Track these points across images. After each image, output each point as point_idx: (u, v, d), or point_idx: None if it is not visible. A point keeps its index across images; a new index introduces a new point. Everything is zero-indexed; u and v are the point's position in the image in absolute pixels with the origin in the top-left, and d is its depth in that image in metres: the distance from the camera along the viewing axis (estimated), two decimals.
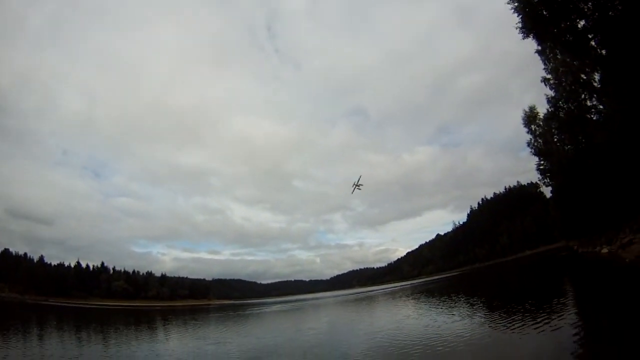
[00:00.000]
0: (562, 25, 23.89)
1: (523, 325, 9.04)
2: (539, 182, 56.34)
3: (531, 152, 49.09)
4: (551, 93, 36.34)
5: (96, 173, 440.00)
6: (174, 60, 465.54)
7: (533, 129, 48.83)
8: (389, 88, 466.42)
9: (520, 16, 24.72)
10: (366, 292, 71.11)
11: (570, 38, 24.34)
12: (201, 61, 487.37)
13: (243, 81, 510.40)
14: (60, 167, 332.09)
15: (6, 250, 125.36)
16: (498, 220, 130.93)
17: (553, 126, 40.78)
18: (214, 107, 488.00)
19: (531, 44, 27.51)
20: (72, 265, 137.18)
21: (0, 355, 11.38)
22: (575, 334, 7.45)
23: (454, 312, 13.90)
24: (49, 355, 11.96)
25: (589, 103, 31.49)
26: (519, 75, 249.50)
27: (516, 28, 24.99)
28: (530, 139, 48.85)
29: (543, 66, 35.24)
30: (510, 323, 9.54)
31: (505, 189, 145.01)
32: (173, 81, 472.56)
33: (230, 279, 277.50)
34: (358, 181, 45.94)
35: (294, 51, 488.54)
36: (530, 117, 49.44)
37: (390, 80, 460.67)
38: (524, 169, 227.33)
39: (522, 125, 50.28)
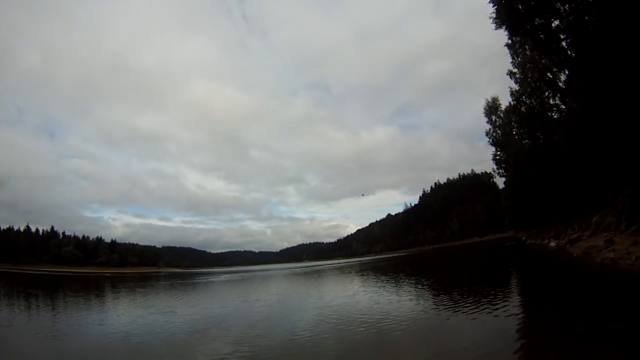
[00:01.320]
0: (536, 22, 23.85)
1: (468, 309, 9.18)
2: (493, 172, 58.65)
3: (489, 141, 50.76)
4: (516, 87, 37.25)
5: (51, 133, 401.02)
6: (137, 19, 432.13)
7: (493, 119, 50.36)
8: (353, 65, 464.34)
9: (495, 7, 24.42)
10: (315, 266, 72.26)
11: (543, 36, 24.44)
12: (166, 21, 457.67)
13: (208, 45, 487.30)
14: (14, 126, 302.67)
15: None
16: (450, 205, 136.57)
17: (513, 119, 41.99)
18: (176, 70, 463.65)
19: (501, 38, 27.42)
20: (22, 230, 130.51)
21: None
22: (519, 322, 7.70)
23: (401, 292, 14.42)
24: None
25: (551, 101, 32.46)
26: (485, 67, 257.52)
27: (490, 18, 24.68)
28: (490, 129, 50.44)
29: (511, 60, 35.85)
30: (455, 306, 9.78)
31: (459, 175, 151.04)
32: (136, 41, 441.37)
33: (181, 247, 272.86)
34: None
35: (263, 19, 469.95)
36: (491, 108, 50.81)
37: (356, 57, 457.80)
38: (480, 158, 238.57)
39: (482, 116, 51.77)
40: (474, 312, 8.77)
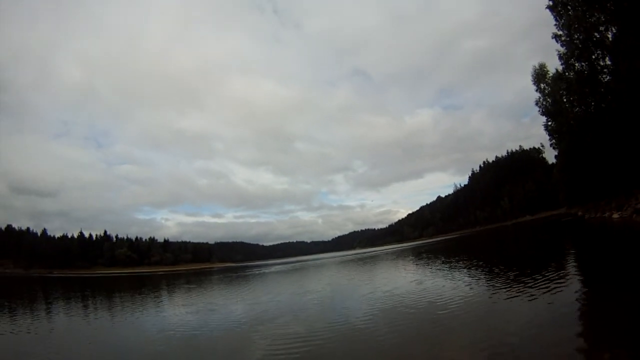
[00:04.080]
0: None
1: (526, 292, 8.47)
2: (542, 147, 55.25)
3: (539, 111, 47.54)
4: (563, 50, 34.32)
5: (98, 142, 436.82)
6: (172, 24, 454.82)
7: (542, 87, 47.11)
8: (390, 50, 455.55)
9: None
10: (367, 252, 71.95)
11: None
12: (199, 23, 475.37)
13: (242, 42, 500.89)
14: (61, 138, 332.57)
15: (9, 227, 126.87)
16: (499, 184, 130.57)
17: (562, 87, 38.91)
18: (214, 69, 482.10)
19: (536, 10, 25.45)
20: (75, 236, 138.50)
21: (7, 329, 11.34)
22: (583, 305, 6.95)
23: (453, 276, 13.78)
24: (54, 327, 12.09)
25: (601, 63, 29.57)
26: (524, 42, 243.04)
27: None
28: (539, 97, 47.23)
29: (554, 22, 33.10)
30: (511, 290, 9.07)
31: (508, 152, 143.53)
32: (172, 45, 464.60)
33: (233, 242, 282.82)
34: None
35: (293, 11, 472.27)
36: (539, 75, 47.54)
37: (393, 41, 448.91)
38: (526, 134, 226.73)
39: (525, 91, 49.30)
40: (534, 295, 8.14)
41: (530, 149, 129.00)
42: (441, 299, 9.38)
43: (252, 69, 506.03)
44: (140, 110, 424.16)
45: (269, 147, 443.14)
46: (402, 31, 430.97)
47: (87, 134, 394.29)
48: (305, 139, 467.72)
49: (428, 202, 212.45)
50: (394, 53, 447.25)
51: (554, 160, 67.76)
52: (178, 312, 14.00)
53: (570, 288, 8.14)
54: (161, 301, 19.91)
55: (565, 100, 40.74)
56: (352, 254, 77.63)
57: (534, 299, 7.72)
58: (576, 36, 30.55)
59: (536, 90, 47.75)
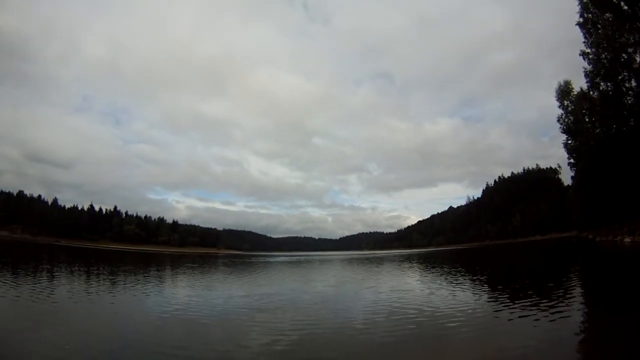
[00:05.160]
0: None
1: (531, 311, 8.34)
2: (558, 168, 54.36)
3: (560, 128, 46.90)
4: (589, 68, 33.99)
5: (117, 119, 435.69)
6: (200, 10, 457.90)
7: (565, 104, 46.43)
8: (416, 54, 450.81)
9: None
10: (373, 254, 71.37)
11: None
12: (227, 11, 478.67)
13: (270, 33, 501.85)
14: (80, 113, 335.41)
15: (21, 192, 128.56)
16: (513, 200, 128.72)
17: (585, 106, 38.48)
18: (240, 58, 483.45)
19: (565, 28, 25.41)
20: (86, 209, 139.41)
21: (12, 294, 11.45)
22: (585, 328, 6.87)
23: (461, 287, 13.38)
24: (58, 293, 12.19)
25: (627, 84, 29.23)
26: (551, 59, 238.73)
27: None
28: (562, 114, 46.56)
29: (583, 39, 32.84)
30: (516, 306, 8.91)
31: (524, 170, 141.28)
32: (200, 30, 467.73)
33: (242, 231, 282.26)
34: None
35: (323, 6, 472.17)
36: (564, 92, 46.83)
37: (418, 46, 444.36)
38: (544, 154, 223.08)
39: (547, 110, 49.06)
40: (537, 313, 8.07)
41: (546, 168, 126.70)
42: (445, 308, 9.18)
43: (277, 61, 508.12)
44: (161, 91, 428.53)
45: (287, 139, 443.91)
46: (428, 36, 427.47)
47: (106, 110, 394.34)
48: (324, 135, 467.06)
49: (439, 211, 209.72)
50: (419, 58, 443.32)
51: (570, 183, 66.82)
52: (179, 291, 14.16)
53: (576, 312, 7.97)
54: (164, 279, 20.16)
55: (587, 119, 40.29)
56: (360, 254, 77.42)
57: (539, 319, 7.56)
58: (604, 55, 30.29)
59: (559, 107, 47.20)
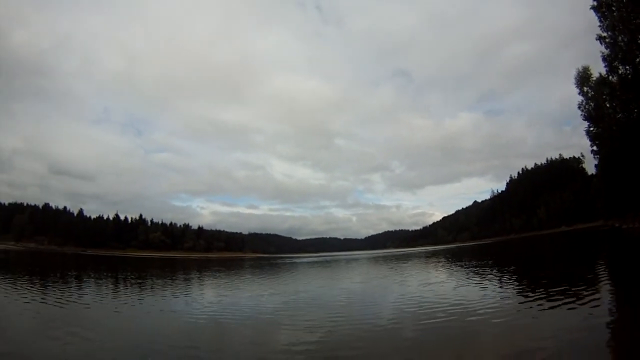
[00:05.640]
0: None
1: (561, 301, 8.41)
2: (582, 157, 52.75)
3: (581, 115, 45.47)
4: (607, 52, 33.08)
5: (137, 130, 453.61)
6: (215, 17, 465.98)
7: (585, 90, 45.12)
8: (433, 51, 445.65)
9: None
10: (399, 252, 71.14)
11: None
12: (242, 18, 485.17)
13: (285, 38, 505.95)
14: (101, 124, 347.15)
15: (46, 205, 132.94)
16: (537, 192, 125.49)
17: (604, 91, 37.43)
18: (257, 64, 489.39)
19: (581, 17, 24.92)
20: (111, 218, 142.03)
21: (39, 299, 12.00)
22: (616, 318, 6.93)
23: (489, 280, 13.48)
24: (86, 300, 12.62)
25: None
26: (568, 48, 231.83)
27: None
28: (582, 101, 45.14)
29: (599, 23, 32.05)
30: (546, 297, 8.99)
31: (547, 160, 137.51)
32: (215, 38, 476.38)
33: (267, 234, 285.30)
34: None
35: (336, 9, 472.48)
36: (583, 78, 45.48)
37: (435, 43, 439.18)
38: (567, 143, 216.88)
39: (567, 100, 47.52)
40: (566, 305, 8.09)
41: (570, 158, 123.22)
42: (473, 301, 9.31)
43: (295, 65, 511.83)
44: (180, 100, 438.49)
45: (309, 143, 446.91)
46: (444, 33, 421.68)
47: (126, 121, 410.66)
48: (346, 136, 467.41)
49: (464, 207, 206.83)
50: (435, 55, 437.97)
51: (594, 171, 64.72)
52: (207, 294, 14.57)
53: (605, 301, 8.03)
54: (191, 284, 20.64)
55: (607, 105, 39.16)
56: (386, 253, 77.32)
57: (569, 310, 7.63)
58: (620, 38, 29.53)
59: (579, 94, 45.90)
